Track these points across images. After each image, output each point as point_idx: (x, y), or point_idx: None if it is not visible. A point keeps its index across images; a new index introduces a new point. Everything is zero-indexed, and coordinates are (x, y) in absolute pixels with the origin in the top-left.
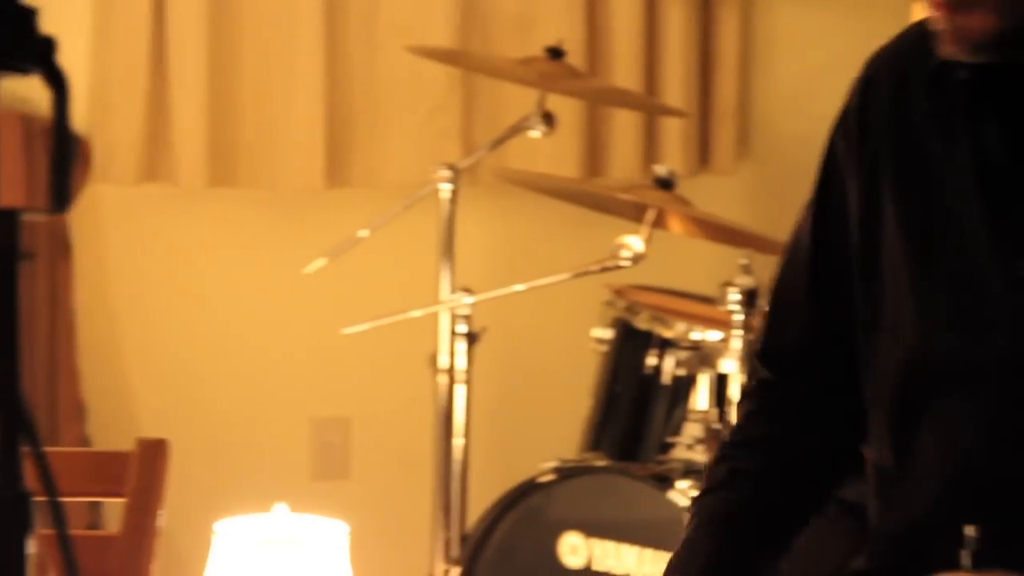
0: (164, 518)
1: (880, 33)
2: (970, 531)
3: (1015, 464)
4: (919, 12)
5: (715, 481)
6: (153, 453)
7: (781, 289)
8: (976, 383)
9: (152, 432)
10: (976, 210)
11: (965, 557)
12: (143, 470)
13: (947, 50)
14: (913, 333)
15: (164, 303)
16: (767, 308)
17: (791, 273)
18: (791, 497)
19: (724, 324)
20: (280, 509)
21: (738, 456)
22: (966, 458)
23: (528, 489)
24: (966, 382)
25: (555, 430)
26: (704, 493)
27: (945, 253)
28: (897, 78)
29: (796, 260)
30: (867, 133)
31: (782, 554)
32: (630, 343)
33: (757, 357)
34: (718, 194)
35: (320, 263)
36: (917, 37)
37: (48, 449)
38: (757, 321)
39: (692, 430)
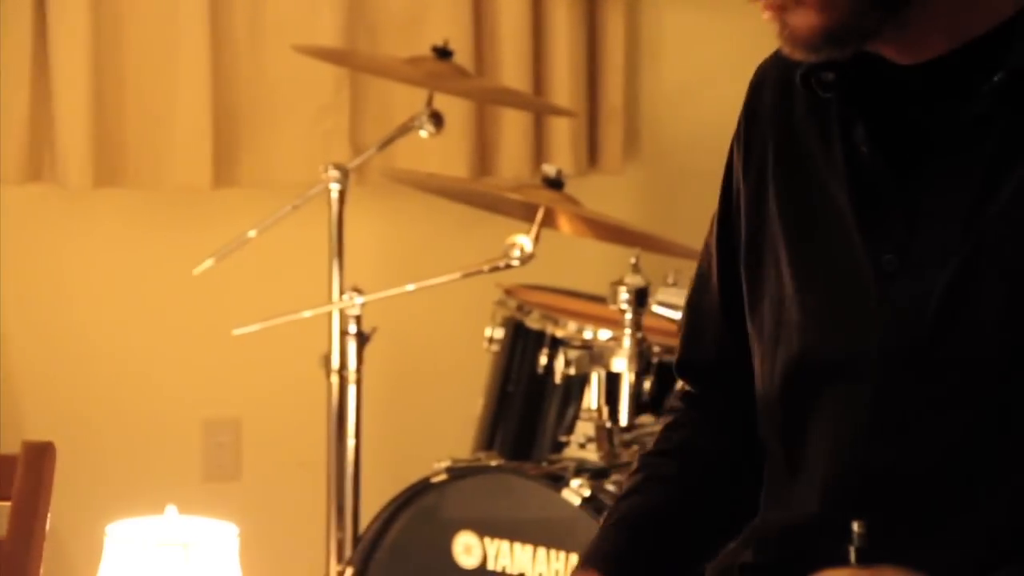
0: (51, 522)
1: (764, 34)
2: (856, 527)
3: (895, 457)
4: None
5: (631, 487)
6: (39, 456)
7: (695, 300)
8: (854, 378)
9: (41, 434)
10: (848, 208)
11: (851, 553)
12: (29, 473)
13: (786, 50)
14: (794, 331)
15: (51, 304)
16: (683, 320)
17: (703, 284)
18: (707, 502)
19: (614, 323)
20: (170, 511)
21: (655, 464)
22: (848, 453)
23: (421, 489)
24: (845, 378)
25: (448, 430)
26: (620, 499)
27: (822, 251)
28: (782, 81)
29: (706, 271)
30: (755, 138)
31: (702, 558)
32: (521, 342)
33: (676, 369)
34: (606, 193)
35: (208, 264)
36: None
37: None
38: (647, 319)
39: (584, 429)
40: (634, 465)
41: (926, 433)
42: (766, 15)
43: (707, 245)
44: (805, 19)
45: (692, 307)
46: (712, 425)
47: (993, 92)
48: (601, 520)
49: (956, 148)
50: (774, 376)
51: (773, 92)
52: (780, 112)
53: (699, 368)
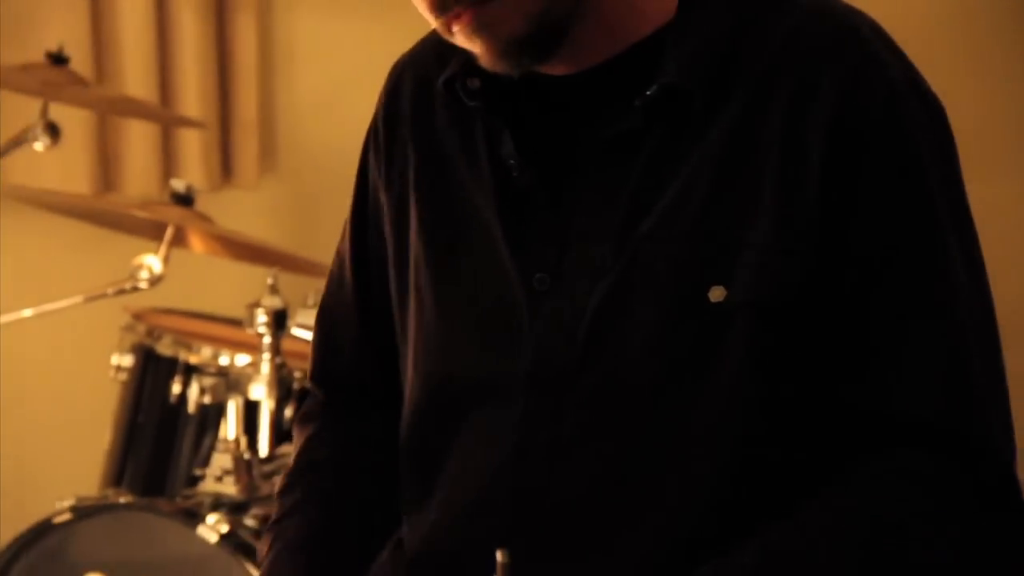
0: None
1: (402, 39)
2: (500, 556)
3: (543, 482)
4: None
5: (289, 507)
6: None
7: (328, 308)
8: (502, 401)
9: None
10: (496, 223)
11: None
12: None
13: (487, 62)
14: (439, 350)
15: None
16: (316, 330)
17: (336, 292)
18: (363, 518)
19: (252, 348)
20: None
21: (308, 481)
22: (495, 478)
23: (43, 530)
24: (491, 399)
25: (73, 466)
26: (279, 520)
27: (469, 268)
28: (421, 83)
29: (342, 278)
30: (394, 144)
31: (368, 564)
32: (152, 370)
33: (312, 378)
34: (242, 210)
35: None
36: (435, 44)
37: None
38: (287, 344)
39: (221, 461)
40: (285, 481)
41: (574, 457)
42: (463, 35)
43: (340, 253)
44: (510, 11)
45: (325, 315)
46: (357, 436)
47: (645, 107)
48: (265, 549)
49: (608, 164)
50: (419, 398)
51: (412, 96)
52: (420, 117)
53: (336, 377)
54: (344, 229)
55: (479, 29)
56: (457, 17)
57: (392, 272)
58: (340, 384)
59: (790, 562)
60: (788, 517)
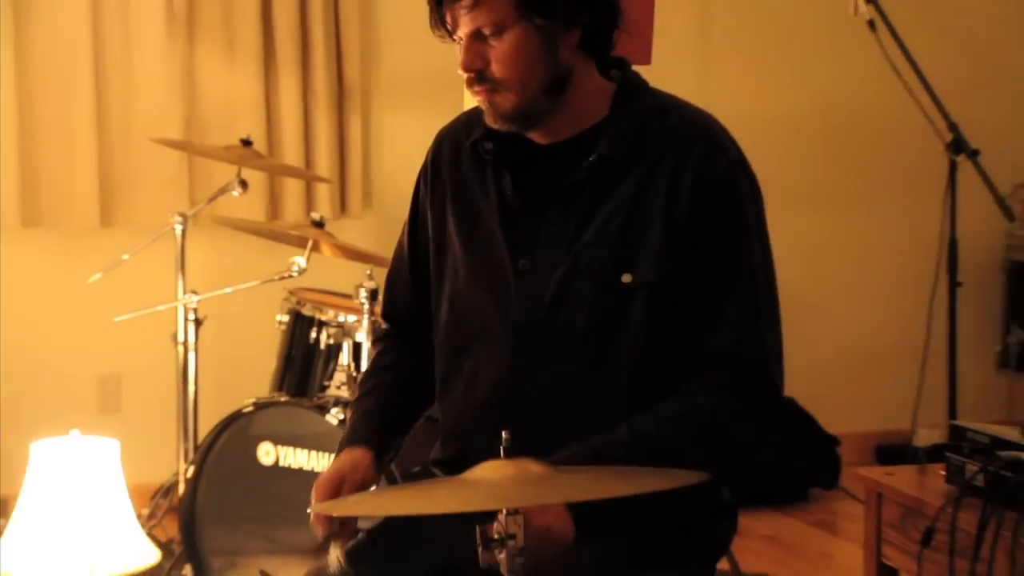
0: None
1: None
2: (505, 434)
3: (525, 391)
4: (468, 106)
5: (367, 390)
6: None
7: (393, 275)
8: (500, 339)
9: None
10: (499, 230)
11: (502, 452)
12: None
13: (489, 121)
14: (465, 306)
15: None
16: (386, 287)
17: (398, 266)
18: (411, 401)
19: (357, 311)
20: (74, 433)
21: (378, 374)
22: (495, 387)
23: (236, 417)
24: (494, 338)
25: (253, 380)
26: (361, 397)
27: (483, 256)
28: (454, 145)
29: (400, 257)
30: (437, 180)
31: (405, 434)
32: (300, 323)
33: (382, 317)
34: (352, 230)
35: (98, 276)
36: (467, 119)
37: None
38: (377, 308)
39: (339, 378)
40: (365, 375)
41: (543, 376)
42: (479, 98)
43: (401, 241)
44: (506, 100)
45: (391, 279)
46: (407, 352)
47: (589, 167)
48: (350, 416)
49: (566, 198)
50: (450, 333)
51: (449, 151)
52: (454, 165)
53: (396, 317)
54: (404, 227)
55: (488, 102)
56: (478, 92)
57: (432, 256)
58: (399, 320)
59: (646, 435)
60: (649, 410)
